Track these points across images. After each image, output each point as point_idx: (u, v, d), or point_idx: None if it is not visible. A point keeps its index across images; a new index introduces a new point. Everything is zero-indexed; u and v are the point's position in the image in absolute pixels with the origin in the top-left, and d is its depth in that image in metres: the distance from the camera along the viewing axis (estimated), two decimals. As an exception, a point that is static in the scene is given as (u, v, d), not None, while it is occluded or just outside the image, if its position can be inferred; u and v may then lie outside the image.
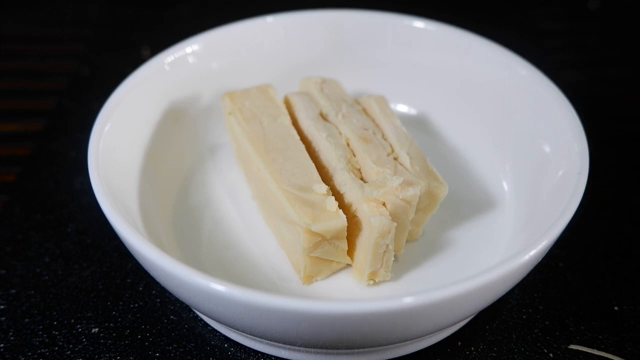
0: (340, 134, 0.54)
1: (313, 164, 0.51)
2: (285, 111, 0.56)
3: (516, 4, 0.93)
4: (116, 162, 0.51)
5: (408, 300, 0.39)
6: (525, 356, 0.48)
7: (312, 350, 0.46)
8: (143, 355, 0.48)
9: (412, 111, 0.66)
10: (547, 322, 0.51)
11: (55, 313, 0.51)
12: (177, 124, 0.60)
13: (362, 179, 0.51)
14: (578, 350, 0.49)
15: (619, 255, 0.56)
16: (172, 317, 0.51)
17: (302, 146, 0.53)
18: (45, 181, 0.63)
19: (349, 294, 0.50)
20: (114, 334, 0.50)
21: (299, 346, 0.45)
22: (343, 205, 0.49)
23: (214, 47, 0.62)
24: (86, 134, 0.51)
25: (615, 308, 0.52)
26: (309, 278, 0.50)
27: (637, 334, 0.50)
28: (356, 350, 0.46)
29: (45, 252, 0.56)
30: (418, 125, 0.64)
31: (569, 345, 0.49)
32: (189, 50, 0.61)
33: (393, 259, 0.49)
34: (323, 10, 0.65)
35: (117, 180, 0.50)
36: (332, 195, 0.48)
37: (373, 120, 0.56)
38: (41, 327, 0.50)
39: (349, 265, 0.51)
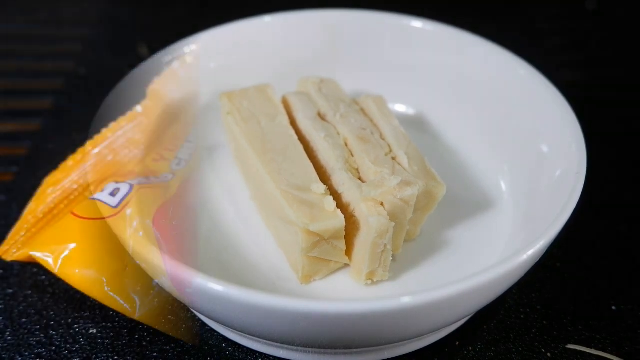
0: (339, 134, 0.54)
1: (311, 164, 0.51)
2: (284, 111, 0.56)
3: (515, 4, 0.93)
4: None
5: (406, 300, 0.39)
6: (523, 356, 0.48)
7: (311, 350, 0.46)
8: (141, 355, 0.48)
9: (410, 111, 0.66)
10: (545, 322, 0.51)
11: (52, 313, 0.51)
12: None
13: (360, 178, 0.50)
14: (576, 350, 0.49)
15: (617, 255, 0.56)
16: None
17: (301, 146, 0.53)
18: (42, 181, 0.63)
19: (347, 294, 0.50)
20: (112, 334, 0.49)
21: (297, 346, 0.45)
22: (341, 205, 0.49)
23: (211, 47, 0.62)
24: (83, 134, 0.51)
25: (613, 308, 0.52)
26: (307, 278, 0.50)
27: (635, 333, 0.50)
28: (354, 350, 0.46)
29: (43, 252, 0.56)
30: (416, 125, 0.64)
31: (566, 344, 0.49)
32: (187, 50, 0.61)
33: (391, 258, 0.49)
34: (321, 10, 0.65)
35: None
36: (331, 195, 0.48)
37: (371, 120, 0.56)
38: (38, 327, 0.50)
39: (347, 265, 0.51)
